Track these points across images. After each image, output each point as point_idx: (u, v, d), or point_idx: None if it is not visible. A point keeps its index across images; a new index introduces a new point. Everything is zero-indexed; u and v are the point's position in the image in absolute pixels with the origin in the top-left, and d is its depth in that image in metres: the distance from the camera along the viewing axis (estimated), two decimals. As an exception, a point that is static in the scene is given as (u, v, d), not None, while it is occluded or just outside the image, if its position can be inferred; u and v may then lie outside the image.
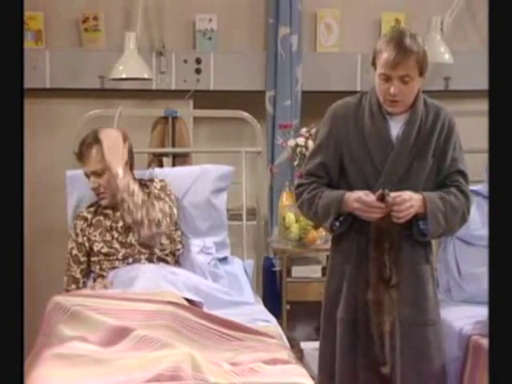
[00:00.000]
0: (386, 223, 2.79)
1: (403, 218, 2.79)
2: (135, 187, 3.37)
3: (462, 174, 2.96)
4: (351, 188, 2.87)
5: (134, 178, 3.49)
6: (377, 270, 2.81)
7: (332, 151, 2.92)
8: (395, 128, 2.88)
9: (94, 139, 3.45)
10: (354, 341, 2.89)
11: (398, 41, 2.75)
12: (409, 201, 2.78)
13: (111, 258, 3.40)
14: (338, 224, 2.89)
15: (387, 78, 2.79)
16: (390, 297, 2.81)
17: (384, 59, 2.77)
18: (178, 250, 3.54)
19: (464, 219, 2.96)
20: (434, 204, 2.85)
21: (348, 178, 2.91)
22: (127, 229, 3.43)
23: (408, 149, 2.86)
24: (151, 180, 3.58)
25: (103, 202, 3.47)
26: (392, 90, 2.79)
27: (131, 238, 3.42)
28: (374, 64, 2.85)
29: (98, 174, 3.42)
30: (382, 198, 2.74)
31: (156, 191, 3.50)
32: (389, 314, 2.82)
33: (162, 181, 3.58)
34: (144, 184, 3.54)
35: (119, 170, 3.36)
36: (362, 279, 2.87)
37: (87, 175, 3.46)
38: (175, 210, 3.51)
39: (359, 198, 2.79)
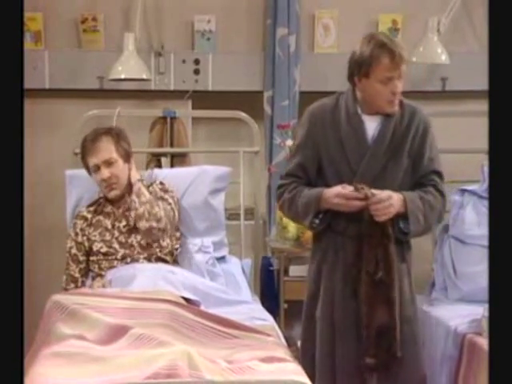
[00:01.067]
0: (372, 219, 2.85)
1: (383, 217, 2.84)
2: (144, 190, 3.42)
3: (438, 173, 3.01)
4: (328, 187, 2.93)
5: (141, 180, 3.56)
6: (365, 264, 2.87)
7: (310, 152, 2.99)
8: (371, 128, 2.94)
9: (103, 130, 3.49)
10: (333, 340, 2.94)
11: (387, 42, 2.85)
12: (387, 200, 2.83)
13: (110, 257, 3.42)
14: (317, 221, 2.95)
15: (389, 80, 2.86)
16: (376, 290, 2.86)
17: (386, 63, 2.84)
18: (177, 249, 3.55)
19: (440, 217, 3.03)
20: (415, 204, 2.90)
21: (325, 178, 2.97)
22: (130, 230, 3.45)
23: (383, 149, 2.92)
24: (151, 184, 3.61)
25: (112, 194, 3.46)
26: (397, 89, 2.88)
27: (133, 240, 3.44)
28: (365, 75, 2.88)
29: (109, 163, 3.42)
30: (356, 190, 2.83)
31: (158, 190, 3.54)
32: (378, 306, 2.86)
33: (162, 183, 3.61)
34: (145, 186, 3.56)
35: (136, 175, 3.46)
36: (338, 277, 2.94)
37: (97, 167, 3.43)
38: (176, 213, 3.56)
39: (338, 193, 2.86)
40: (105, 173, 3.42)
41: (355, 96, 2.96)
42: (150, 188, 3.55)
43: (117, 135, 3.48)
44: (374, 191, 2.83)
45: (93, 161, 3.44)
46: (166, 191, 3.57)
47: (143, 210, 3.37)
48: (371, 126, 2.94)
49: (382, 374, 2.93)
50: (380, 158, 2.92)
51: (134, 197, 3.40)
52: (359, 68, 2.89)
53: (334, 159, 2.95)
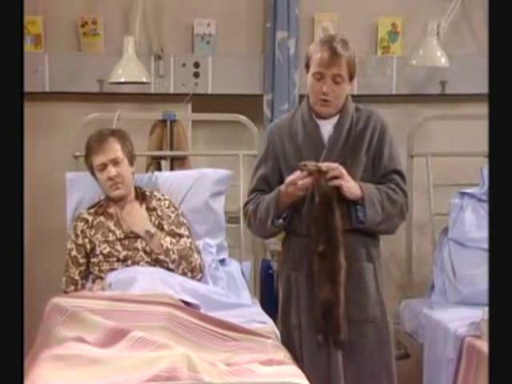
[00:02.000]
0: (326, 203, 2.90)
1: (336, 181, 2.86)
2: (167, 243, 3.40)
3: (399, 173, 3.04)
4: None
5: (139, 188, 3.58)
6: (311, 244, 2.93)
7: (270, 164, 3.08)
8: (326, 130, 3.01)
9: (109, 131, 3.53)
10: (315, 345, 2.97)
11: (332, 43, 2.92)
12: (336, 167, 2.87)
13: (111, 259, 3.40)
14: (280, 221, 2.99)
15: (320, 77, 2.92)
16: (321, 264, 2.90)
17: (318, 58, 2.91)
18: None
19: (402, 214, 3.03)
20: (370, 190, 2.93)
21: (284, 180, 2.99)
22: (136, 236, 3.44)
23: (339, 147, 2.97)
24: (152, 193, 3.60)
25: (116, 193, 3.46)
26: (324, 88, 2.92)
27: (138, 244, 3.43)
28: (307, 67, 2.99)
29: (116, 162, 3.44)
30: (301, 170, 2.89)
31: (165, 209, 3.53)
32: (323, 282, 2.89)
33: (166, 198, 3.60)
34: (148, 196, 3.56)
35: (150, 229, 3.42)
36: (303, 281, 2.98)
37: (104, 165, 3.43)
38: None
39: (287, 182, 2.90)
40: (112, 171, 3.43)
41: (309, 101, 3.04)
42: (153, 201, 3.54)
43: (122, 136, 3.52)
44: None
45: (100, 159, 3.45)
46: (173, 209, 3.57)
47: (182, 271, 3.40)
48: (327, 128, 3.01)
49: (346, 364, 2.94)
50: (336, 155, 2.96)
51: (161, 256, 3.39)
52: (305, 60, 3.02)
53: (294, 166, 2.97)
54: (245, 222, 3.18)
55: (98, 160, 3.45)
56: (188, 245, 3.46)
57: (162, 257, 3.38)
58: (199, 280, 3.43)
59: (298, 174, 2.89)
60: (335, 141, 2.98)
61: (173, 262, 3.39)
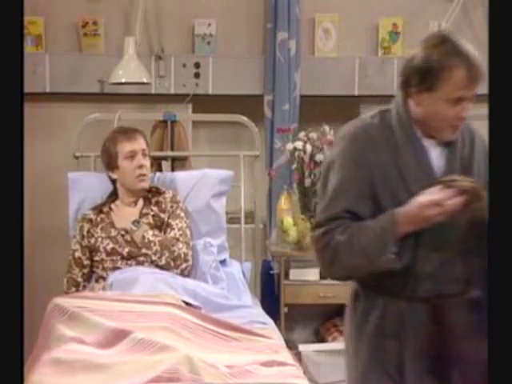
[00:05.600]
0: None
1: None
2: (149, 235, 3.38)
3: None
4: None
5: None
6: None
7: (361, 188, 2.32)
8: (435, 157, 2.34)
9: (132, 127, 3.57)
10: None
11: (465, 49, 2.24)
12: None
13: (114, 257, 3.39)
14: (393, 255, 2.24)
15: (459, 101, 2.24)
16: None
17: (460, 77, 2.21)
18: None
19: None
20: None
21: (380, 207, 2.30)
22: (126, 231, 3.43)
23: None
24: (157, 189, 3.60)
25: (141, 185, 3.45)
26: (467, 112, 2.28)
27: (128, 238, 3.42)
28: (428, 87, 2.24)
29: (145, 153, 3.46)
30: (448, 187, 2.24)
31: (168, 203, 3.52)
32: None
33: (169, 192, 3.60)
34: (152, 192, 3.56)
35: (134, 223, 3.41)
36: None
37: (134, 153, 3.42)
38: (188, 222, 3.56)
39: (427, 202, 2.21)
40: (142, 159, 3.43)
41: (409, 114, 2.33)
42: (157, 195, 3.54)
43: (144, 135, 3.55)
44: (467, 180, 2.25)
45: (131, 146, 3.44)
46: (176, 202, 3.55)
47: (166, 261, 3.36)
48: (435, 153, 2.34)
49: None
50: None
51: (143, 250, 3.38)
52: (421, 78, 2.24)
53: (392, 186, 2.31)
54: (320, 259, 2.38)
55: (127, 147, 3.43)
56: (173, 235, 3.43)
57: (143, 250, 3.37)
58: (185, 269, 3.39)
59: (444, 192, 2.21)
60: (450, 170, 2.33)
61: (155, 253, 3.36)
